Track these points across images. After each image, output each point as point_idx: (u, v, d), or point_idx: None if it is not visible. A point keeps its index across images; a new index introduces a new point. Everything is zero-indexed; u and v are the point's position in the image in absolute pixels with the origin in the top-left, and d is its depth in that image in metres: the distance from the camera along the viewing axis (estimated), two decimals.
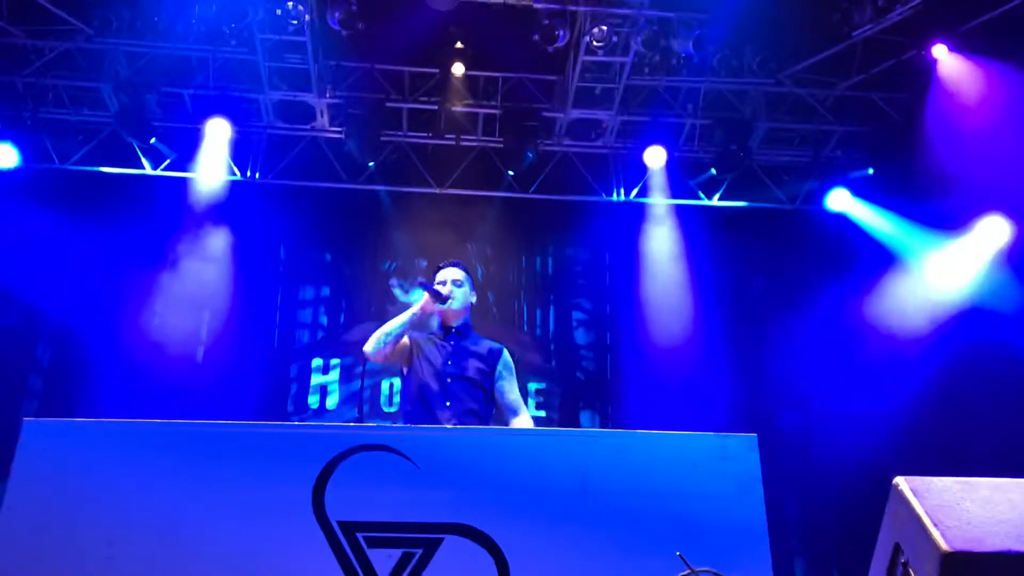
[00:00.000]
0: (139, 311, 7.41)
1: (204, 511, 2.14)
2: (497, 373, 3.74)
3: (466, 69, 7.62)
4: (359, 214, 8.19)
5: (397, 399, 7.37)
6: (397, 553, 2.13)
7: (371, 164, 7.96)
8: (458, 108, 7.86)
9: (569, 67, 7.54)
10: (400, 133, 8.04)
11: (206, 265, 7.66)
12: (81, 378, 7.26)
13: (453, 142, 8.07)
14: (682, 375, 7.65)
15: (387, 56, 7.67)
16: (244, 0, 6.73)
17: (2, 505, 2.12)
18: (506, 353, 3.82)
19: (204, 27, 7.10)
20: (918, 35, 7.02)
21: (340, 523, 2.15)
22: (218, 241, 7.76)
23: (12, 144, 7.25)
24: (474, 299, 3.91)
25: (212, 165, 7.79)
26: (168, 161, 7.79)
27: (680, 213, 8.24)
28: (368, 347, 3.61)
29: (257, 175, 8.02)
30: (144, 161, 7.81)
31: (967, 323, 7.37)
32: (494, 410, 3.77)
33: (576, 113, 7.87)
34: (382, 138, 7.76)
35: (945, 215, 7.62)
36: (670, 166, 8.10)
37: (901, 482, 2.05)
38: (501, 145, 7.96)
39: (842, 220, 8.19)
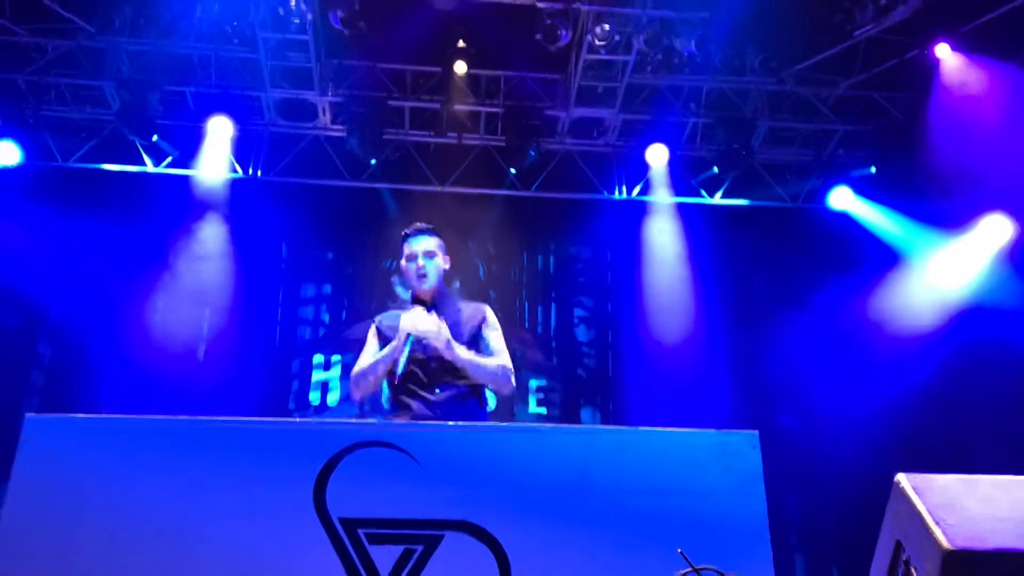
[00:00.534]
0: (141, 308, 7.42)
1: (205, 507, 2.14)
2: (482, 335, 3.49)
3: (468, 68, 7.62)
4: (361, 212, 8.20)
5: None
6: (398, 550, 2.13)
7: (373, 162, 7.95)
8: (460, 107, 7.85)
9: (571, 66, 7.54)
10: (402, 131, 8.04)
11: (207, 262, 7.66)
12: (83, 374, 7.27)
13: (455, 140, 8.07)
14: (683, 373, 7.65)
15: (389, 54, 7.67)
16: None
17: (4, 501, 2.12)
18: (489, 312, 3.56)
19: (206, 25, 7.09)
20: (920, 35, 7.02)
21: (341, 519, 2.14)
22: (220, 238, 7.76)
23: (14, 141, 7.27)
24: (447, 266, 3.56)
25: (214, 163, 7.80)
26: (170, 159, 7.80)
27: (682, 211, 8.25)
28: (356, 396, 3.55)
29: (259, 173, 8.03)
30: (146, 159, 7.82)
31: (969, 321, 7.38)
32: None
33: (578, 112, 7.87)
34: (384, 136, 7.73)
35: (947, 214, 7.63)
36: (672, 164, 8.11)
37: (903, 479, 2.05)
38: (503, 143, 7.95)
39: (844, 218, 8.19)
